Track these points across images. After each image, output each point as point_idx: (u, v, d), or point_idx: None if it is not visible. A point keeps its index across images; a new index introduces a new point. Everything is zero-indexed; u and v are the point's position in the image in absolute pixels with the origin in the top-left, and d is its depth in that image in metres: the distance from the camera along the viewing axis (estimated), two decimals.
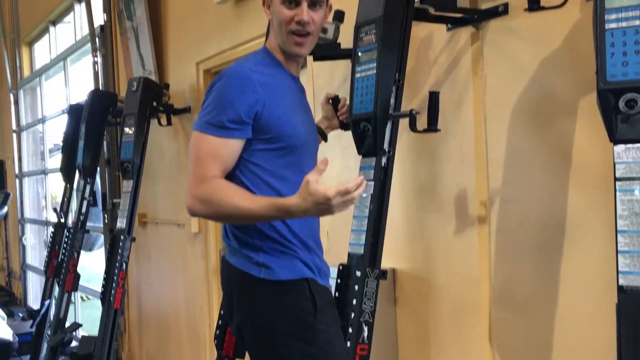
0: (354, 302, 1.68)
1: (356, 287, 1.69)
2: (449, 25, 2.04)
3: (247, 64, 1.66)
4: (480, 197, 1.97)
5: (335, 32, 2.17)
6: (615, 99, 1.24)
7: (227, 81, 1.61)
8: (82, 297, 6.49)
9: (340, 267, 1.75)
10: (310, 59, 2.41)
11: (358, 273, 1.70)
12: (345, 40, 2.07)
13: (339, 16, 2.16)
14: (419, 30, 2.11)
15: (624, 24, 1.23)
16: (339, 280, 1.75)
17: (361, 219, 1.73)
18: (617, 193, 1.22)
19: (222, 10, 3.37)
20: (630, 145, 1.22)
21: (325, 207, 1.41)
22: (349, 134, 1.81)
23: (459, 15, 1.95)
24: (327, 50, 2.19)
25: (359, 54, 1.73)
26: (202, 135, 1.59)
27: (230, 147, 1.59)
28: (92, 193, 3.99)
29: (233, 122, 1.56)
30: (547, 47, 1.75)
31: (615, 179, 1.24)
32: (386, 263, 2.09)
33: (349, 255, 1.75)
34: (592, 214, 1.66)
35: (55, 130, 6.78)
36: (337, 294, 1.74)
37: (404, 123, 1.76)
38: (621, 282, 1.21)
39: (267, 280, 1.61)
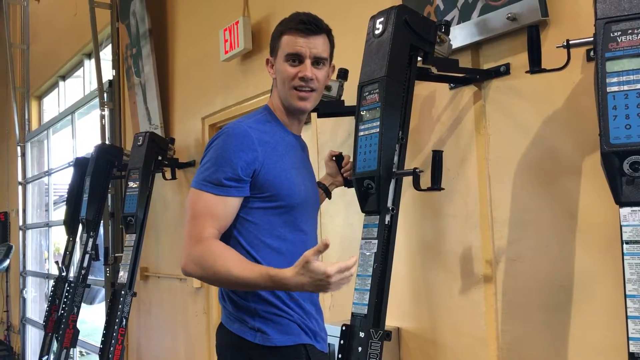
0: None
1: (360, 349, 1.64)
2: (452, 84, 2.06)
3: (246, 122, 1.64)
4: (485, 256, 1.95)
5: (339, 90, 2.20)
6: (619, 161, 1.23)
7: (226, 139, 1.58)
8: (81, 352, 6.37)
9: (344, 328, 1.71)
10: (314, 115, 2.43)
11: (362, 334, 1.65)
12: (349, 97, 2.09)
13: (343, 74, 2.19)
14: (422, 89, 2.13)
15: (626, 87, 1.24)
16: (342, 342, 1.70)
17: (365, 278, 1.70)
18: (625, 256, 1.19)
19: (228, 67, 3.43)
20: (636, 208, 1.20)
21: (323, 283, 1.36)
22: (352, 191, 1.80)
23: (461, 75, 1.97)
24: (331, 108, 2.21)
25: (363, 112, 1.73)
26: (199, 193, 1.55)
27: (228, 205, 1.55)
28: (95, 247, 3.97)
29: (231, 179, 1.53)
30: (550, 106, 1.77)
31: (623, 242, 1.21)
32: (391, 322, 2.05)
33: (352, 315, 1.71)
34: (600, 274, 1.63)
35: (61, 182, 6.82)
36: (339, 355, 1.69)
37: (407, 180, 1.75)
38: (632, 349, 1.16)
39: (262, 346, 1.56)
